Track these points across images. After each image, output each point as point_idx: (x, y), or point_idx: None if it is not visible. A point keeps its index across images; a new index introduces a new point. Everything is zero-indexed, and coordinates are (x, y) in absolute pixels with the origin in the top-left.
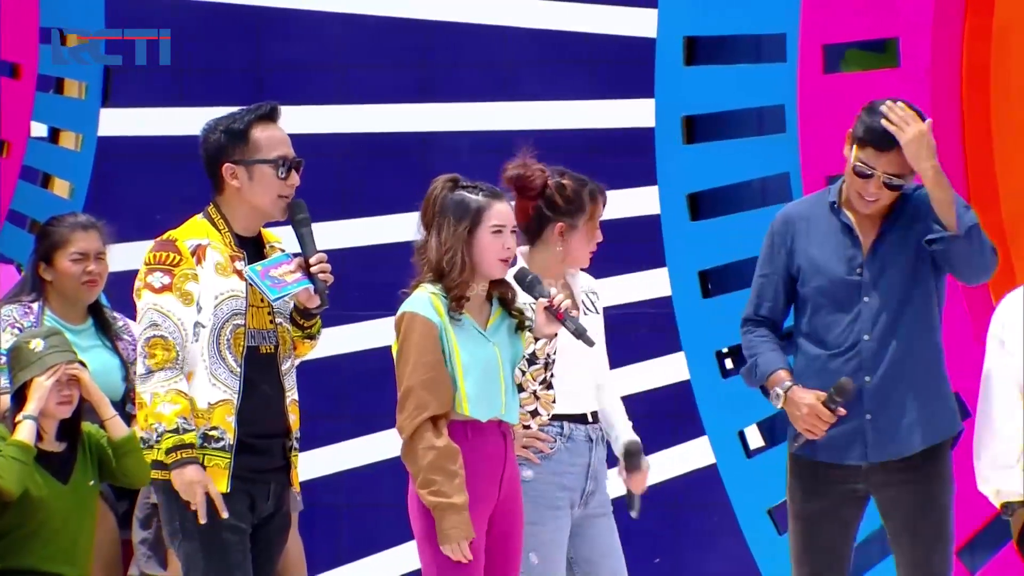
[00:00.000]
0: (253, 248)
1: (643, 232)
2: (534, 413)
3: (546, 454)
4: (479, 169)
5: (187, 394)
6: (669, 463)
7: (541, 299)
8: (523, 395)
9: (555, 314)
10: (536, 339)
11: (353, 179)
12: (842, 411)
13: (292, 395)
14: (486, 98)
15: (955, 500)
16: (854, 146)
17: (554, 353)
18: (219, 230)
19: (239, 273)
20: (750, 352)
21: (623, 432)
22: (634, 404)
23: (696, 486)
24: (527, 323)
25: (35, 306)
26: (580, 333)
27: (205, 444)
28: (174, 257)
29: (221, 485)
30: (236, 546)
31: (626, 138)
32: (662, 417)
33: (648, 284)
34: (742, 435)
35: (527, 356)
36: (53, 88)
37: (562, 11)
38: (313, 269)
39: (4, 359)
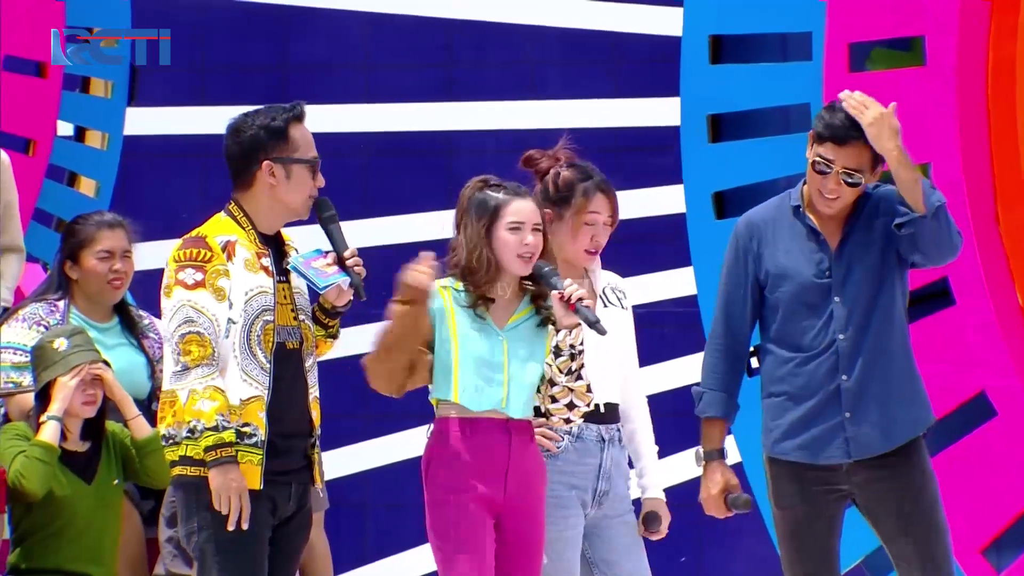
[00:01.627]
0: (274, 246)
1: (668, 231)
2: (570, 405)
3: (552, 453)
4: (503, 168)
5: (224, 391)
6: (694, 462)
7: (555, 291)
8: (556, 388)
9: (567, 304)
10: (557, 331)
11: (377, 178)
12: (729, 513)
13: (315, 392)
14: (510, 97)
15: (979, 499)
16: (813, 144)
17: (580, 344)
18: (243, 228)
19: (266, 269)
20: (703, 379)
21: (646, 478)
22: (659, 403)
23: None
24: (552, 318)
25: (61, 304)
26: (592, 322)
27: (239, 440)
28: (205, 253)
29: (254, 482)
30: (254, 549)
31: (651, 137)
32: (687, 416)
33: (673, 283)
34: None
35: (552, 348)
36: (79, 87)
37: (587, 10)
38: (348, 263)
39: (29, 357)
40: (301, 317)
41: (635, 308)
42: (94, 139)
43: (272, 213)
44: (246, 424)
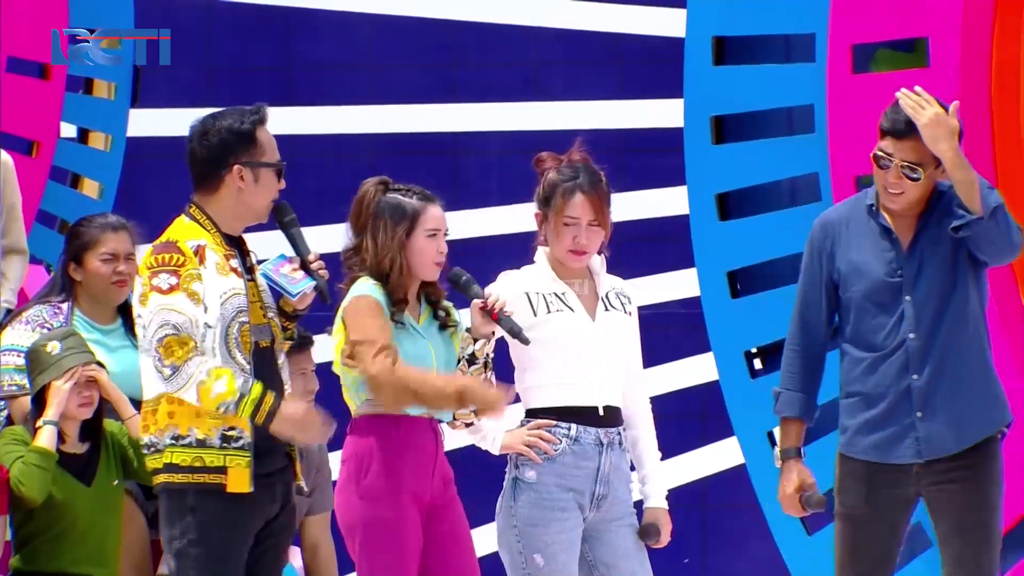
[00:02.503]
0: (237, 248)
1: (672, 232)
2: (477, 411)
3: (550, 456)
4: (507, 169)
5: (222, 365)
6: (698, 463)
7: (476, 300)
8: None
9: (490, 314)
10: (475, 340)
11: None
12: (805, 512)
13: (288, 388)
14: (515, 98)
15: None
16: (878, 140)
17: (492, 352)
18: (208, 231)
19: (236, 271)
20: (781, 379)
21: (648, 486)
22: (663, 404)
23: (725, 486)
24: (450, 322)
25: (64, 306)
26: (515, 332)
27: (225, 445)
28: (178, 258)
29: (244, 485)
30: (237, 558)
31: (655, 138)
32: (691, 417)
33: (677, 284)
34: (771, 435)
35: (467, 356)
36: (82, 89)
37: (591, 11)
38: (313, 267)
39: (25, 360)
40: (270, 315)
41: (638, 309)
42: (97, 141)
43: (236, 216)
44: (231, 428)
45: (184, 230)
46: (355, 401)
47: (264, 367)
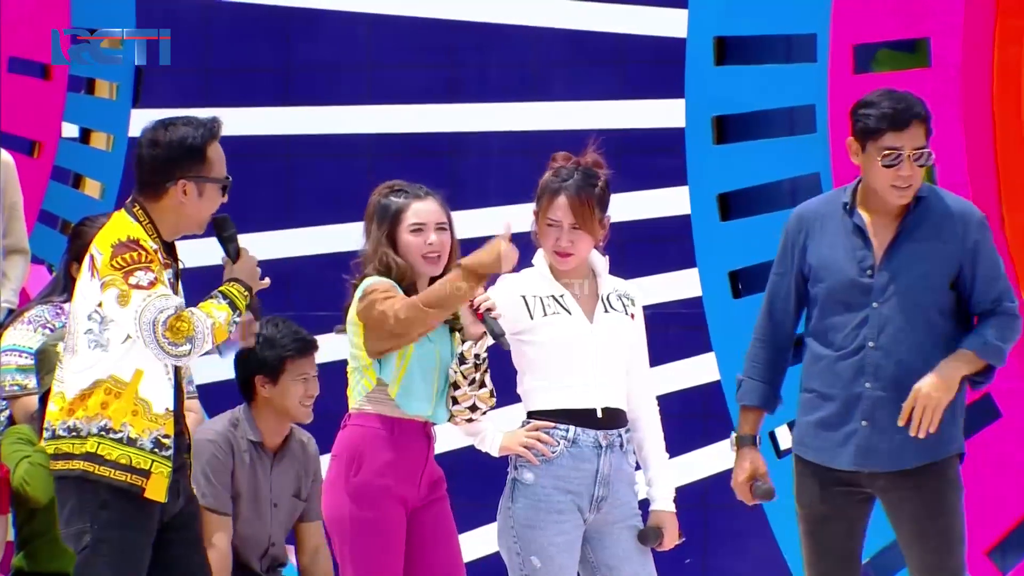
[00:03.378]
0: (172, 255)
1: (673, 232)
2: (472, 407)
3: (547, 458)
4: (507, 169)
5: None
6: (700, 463)
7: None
8: (458, 392)
9: (475, 313)
10: (463, 340)
11: (381, 179)
12: (754, 500)
13: (190, 388)
14: (515, 98)
15: (984, 501)
16: (867, 143)
17: (485, 353)
18: (149, 235)
19: (171, 283)
20: (744, 368)
21: (654, 489)
22: (665, 404)
23: (726, 486)
24: (457, 324)
25: (66, 307)
26: (497, 335)
27: (155, 450)
28: (146, 256)
29: (161, 495)
30: (142, 554)
31: (656, 138)
32: (692, 417)
33: (678, 284)
34: (772, 436)
35: (457, 355)
36: (84, 89)
37: (592, 11)
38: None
39: (33, 360)
40: None
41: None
42: (99, 141)
43: (174, 225)
44: (166, 436)
45: (131, 228)
46: (355, 395)
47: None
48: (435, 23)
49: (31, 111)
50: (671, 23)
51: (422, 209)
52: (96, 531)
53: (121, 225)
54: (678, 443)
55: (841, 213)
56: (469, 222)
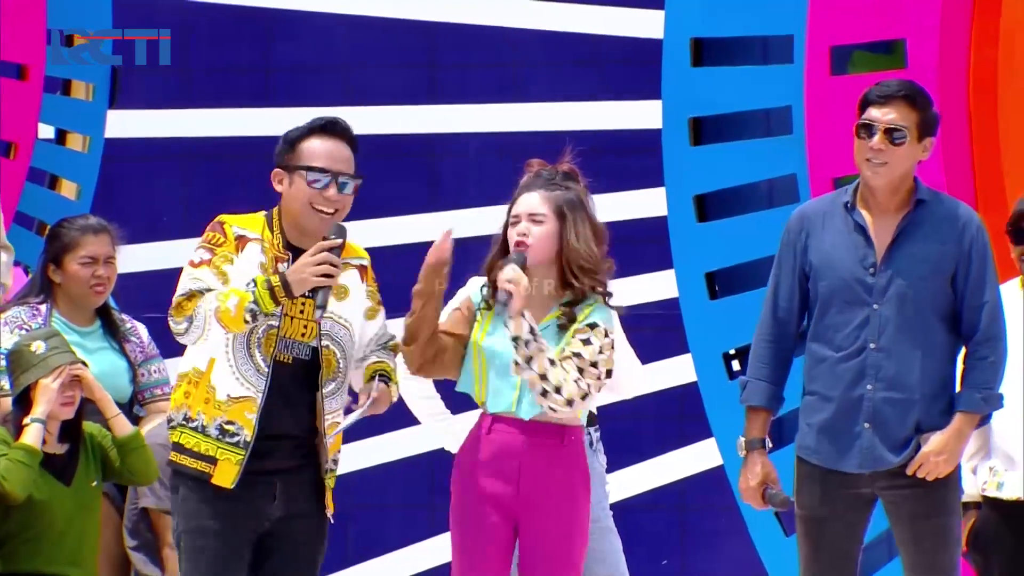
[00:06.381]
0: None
1: (650, 233)
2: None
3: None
4: (486, 170)
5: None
6: (676, 465)
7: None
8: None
9: (509, 298)
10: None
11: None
12: (766, 507)
13: (333, 418)
14: (493, 99)
15: None
16: (857, 122)
17: (528, 334)
18: (272, 231)
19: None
20: (748, 368)
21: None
22: (641, 405)
23: (703, 488)
24: (564, 324)
25: (43, 308)
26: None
27: (220, 437)
28: (218, 238)
29: (228, 481)
30: (218, 553)
31: (633, 139)
32: (669, 419)
33: (655, 286)
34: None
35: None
36: (60, 90)
37: (569, 12)
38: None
39: (4, 362)
40: (326, 342)
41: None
42: (75, 142)
43: (291, 222)
44: (230, 422)
45: (245, 219)
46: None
47: (289, 382)
48: (414, 24)
49: (7, 112)
50: (648, 24)
51: (521, 200)
52: (178, 523)
53: (241, 215)
54: (655, 445)
55: (842, 212)
56: (447, 223)
